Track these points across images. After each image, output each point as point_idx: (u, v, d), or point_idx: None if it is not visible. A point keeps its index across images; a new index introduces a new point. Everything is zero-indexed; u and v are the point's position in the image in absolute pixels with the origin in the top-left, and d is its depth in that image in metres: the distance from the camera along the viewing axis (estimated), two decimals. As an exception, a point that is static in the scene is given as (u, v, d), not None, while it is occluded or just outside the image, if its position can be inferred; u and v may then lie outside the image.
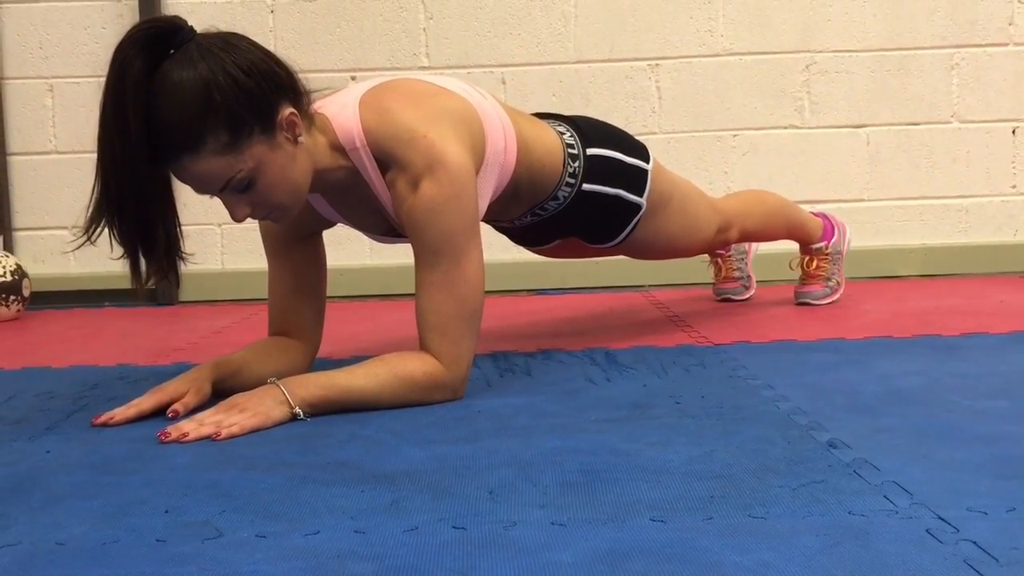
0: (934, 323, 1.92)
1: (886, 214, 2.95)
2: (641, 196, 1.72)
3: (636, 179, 1.71)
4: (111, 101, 1.20)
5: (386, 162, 1.39)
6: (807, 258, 2.25)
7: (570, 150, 1.65)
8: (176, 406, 1.32)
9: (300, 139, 1.33)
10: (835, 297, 2.26)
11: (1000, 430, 1.11)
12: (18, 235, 2.93)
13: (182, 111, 1.21)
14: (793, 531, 0.81)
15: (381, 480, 1.00)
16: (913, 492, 0.90)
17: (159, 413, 1.32)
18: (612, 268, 2.81)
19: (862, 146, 2.94)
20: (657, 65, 2.95)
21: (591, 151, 1.67)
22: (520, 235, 1.84)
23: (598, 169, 1.67)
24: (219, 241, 2.98)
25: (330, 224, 1.58)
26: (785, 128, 2.96)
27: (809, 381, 1.42)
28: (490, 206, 1.59)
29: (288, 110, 1.30)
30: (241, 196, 1.31)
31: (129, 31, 1.22)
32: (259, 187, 1.30)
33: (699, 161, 2.96)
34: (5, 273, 2.49)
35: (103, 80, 1.22)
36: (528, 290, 2.81)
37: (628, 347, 1.76)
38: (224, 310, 2.58)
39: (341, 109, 1.41)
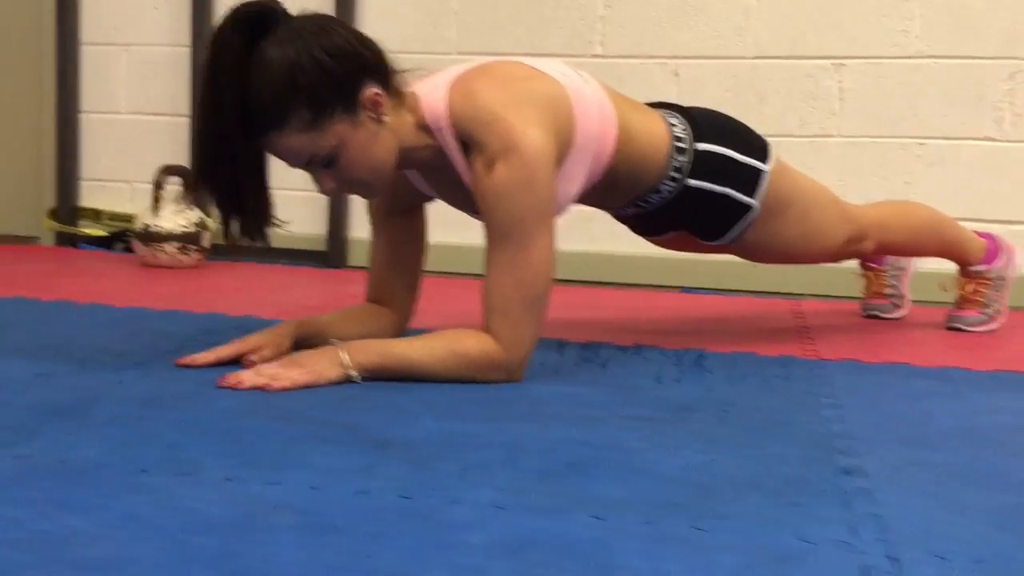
0: (1086, 363, 1.73)
1: (1089, 242, 2.67)
2: (753, 197, 1.66)
3: (749, 179, 1.65)
4: (208, 79, 1.30)
5: (468, 143, 1.42)
6: (964, 280, 2.09)
7: (678, 143, 1.61)
8: (252, 356, 1.42)
9: (384, 118, 1.38)
10: (992, 326, 2.09)
11: (1044, 480, 1.01)
12: (214, 192, 3.18)
13: (268, 91, 1.29)
14: (721, 547, 0.78)
15: (378, 445, 1.04)
16: (890, 528, 0.84)
17: (237, 361, 1.42)
18: (768, 274, 2.70)
19: (1068, 165, 2.68)
20: (842, 65, 2.81)
21: (701, 146, 1.62)
22: (634, 224, 1.82)
23: (707, 165, 1.62)
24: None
25: (429, 199, 1.63)
26: (980, 140, 2.74)
27: (885, 407, 1.33)
28: (589, 193, 1.59)
29: (372, 90, 1.35)
30: (326, 171, 1.38)
31: (228, 14, 1.31)
32: (342, 163, 1.36)
33: (879, 169, 2.80)
34: (189, 225, 2.73)
35: None
36: (678, 287, 2.76)
37: (726, 351, 1.71)
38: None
39: (432, 89, 1.45)
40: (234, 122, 1.30)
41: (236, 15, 1.31)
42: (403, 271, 1.64)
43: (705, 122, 1.66)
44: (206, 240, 2.78)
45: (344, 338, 1.46)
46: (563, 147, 1.44)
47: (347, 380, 1.34)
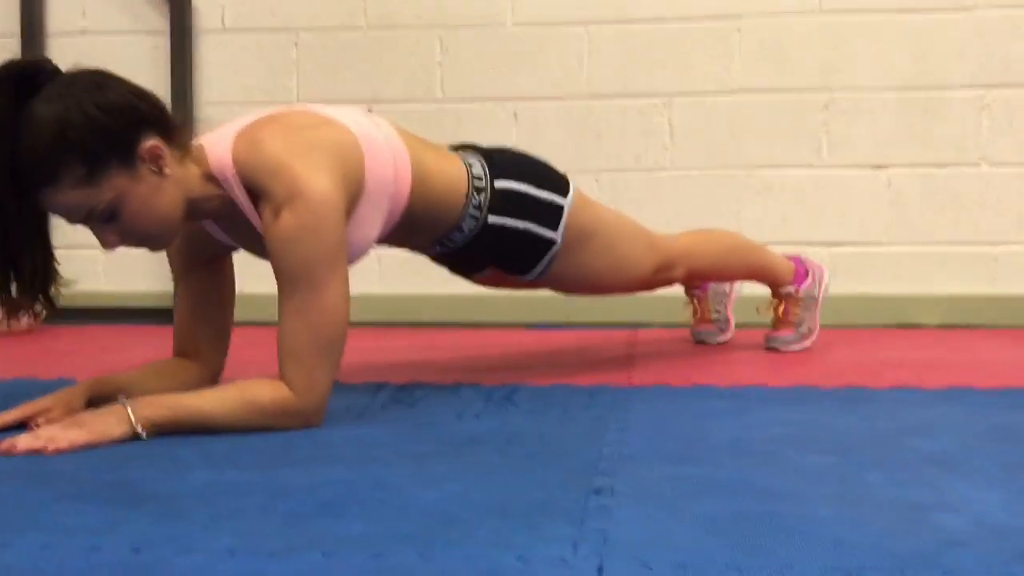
0: (881, 375, 1.82)
1: (907, 260, 2.82)
2: (555, 231, 1.71)
3: (548, 214, 1.70)
4: None
5: (256, 192, 1.42)
6: (776, 302, 2.18)
7: (476, 182, 1.65)
8: (39, 419, 1.38)
9: (166, 170, 1.37)
10: (806, 344, 2.18)
11: (775, 486, 1.06)
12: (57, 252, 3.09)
13: (38, 147, 1.27)
14: (439, 572, 0.80)
15: (135, 501, 1.03)
16: (610, 543, 0.87)
17: (22, 426, 1.38)
18: (610, 305, 2.76)
19: (883, 188, 2.82)
20: (670, 102, 2.92)
21: (499, 184, 1.67)
22: (449, 264, 1.85)
23: (505, 202, 1.67)
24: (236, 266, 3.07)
25: (231, 248, 1.63)
26: (801, 167, 2.87)
27: (669, 427, 1.37)
28: (393, 234, 1.62)
29: (150, 143, 1.35)
30: (107, 225, 1.36)
31: None
32: (124, 217, 1.36)
33: (711, 199, 2.90)
34: (20, 289, 2.65)
35: None
36: (527, 324, 2.80)
37: (543, 384, 1.74)
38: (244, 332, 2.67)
39: (219, 140, 1.45)
40: (3, 181, 1.28)
41: (1, 73, 1.29)
42: (208, 323, 1.62)
43: (503, 161, 1.70)
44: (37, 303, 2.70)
45: (145, 395, 1.44)
46: (353, 192, 1.46)
47: (135, 437, 1.32)
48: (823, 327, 2.22)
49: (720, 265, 2.04)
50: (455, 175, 1.63)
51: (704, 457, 1.19)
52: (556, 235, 1.71)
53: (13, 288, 1.35)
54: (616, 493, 1.03)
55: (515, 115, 2.97)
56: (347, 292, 1.43)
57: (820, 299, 2.21)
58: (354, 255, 1.54)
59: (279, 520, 0.95)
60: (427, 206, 1.60)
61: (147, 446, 1.29)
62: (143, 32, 3.07)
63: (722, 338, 2.32)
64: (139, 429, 1.32)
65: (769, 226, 2.88)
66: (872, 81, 2.80)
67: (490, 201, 1.65)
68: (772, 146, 2.87)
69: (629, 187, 2.95)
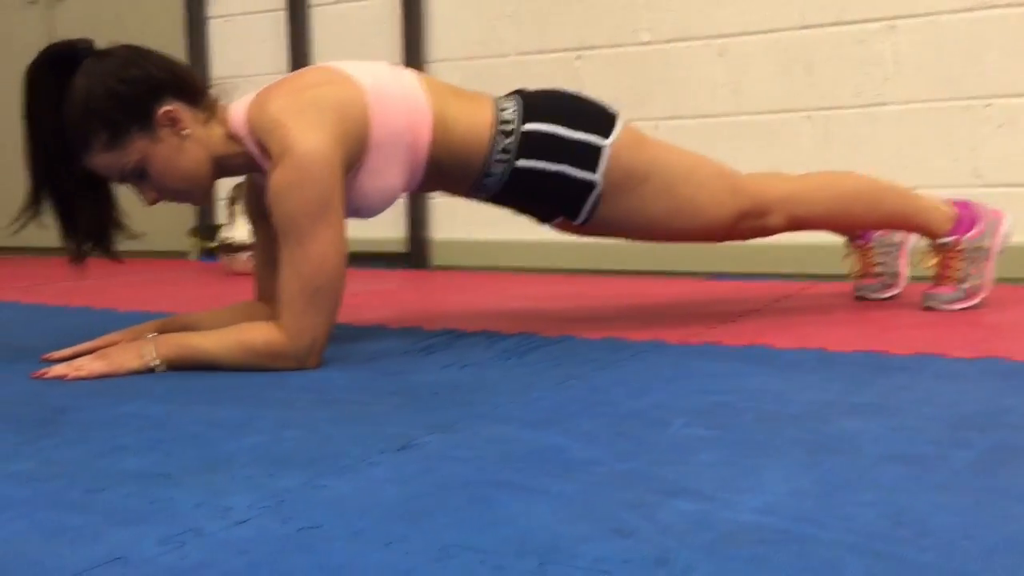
0: (989, 343, 1.52)
1: None
2: (593, 173, 1.63)
3: (585, 155, 1.62)
4: (26, 113, 1.49)
5: (264, 149, 1.52)
6: (931, 254, 1.89)
7: (504, 126, 1.62)
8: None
9: (185, 132, 1.51)
10: (971, 302, 1.87)
11: (580, 457, 0.95)
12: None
13: (72, 117, 1.47)
14: (98, 508, 0.85)
15: (45, 425, 1.17)
16: (303, 500, 0.85)
17: (98, 357, 1.60)
18: (815, 255, 2.54)
19: None
20: (893, 26, 2.59)
21: (528, 127, 1.62)
22: (521, 212, 1.81)
23: (535, 145, 1.62)
24: (465, 212, 3.23)
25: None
26: (1057, 93, 2.42)
27: (613, 389, 1.27)
28: (426, 182, 1.65)
29: (166, 108, 1.49)
30: (141, 183, 1.54)
31: (36, 55, 1.50)
32: (152, 175, 1.52)
33: (943, 135, 2.55)
34: (246, 235, 3.01)
35: None
36: (706, 273, 2.66)
37: (593, 337, 1.68)
38: (454, 276, 2.85)
39: (242, 102, 1.57)
40: (52, 149, 1.49)
41: (45, 55, 1.50)
42: (276, 269, 1.76)
43: (538, 103, 1.65)
44: (277, 249, 3.05)
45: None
46: (355, 146, 1.51)
47: (149, 370, 1.49)
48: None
49: (837, 213, 1.80)
50: (480, 119, 1.62)
51: (568, 423, 1.10)
52: (595, 177, 1.63)
53: (76, 240, 1.56)
54: (420, 450, 1.00)
55: (721, 53, 2.80)
56: (339, 243, 1.48)
57: (995, 251, 1.87)
58: (376, 203, 1.59)
59: (96, 453, 1.04)
60: (451, 152, 1.61)
61: (143, 379, 1.44)
62: (385, -5, 3.29)
63: (887, 294, 2.06)
64: (156, 363, 1.49)
65: (1014, 164, 2.47)
66: None
67: (519, 144, 1.61)
68: (1018, 70, 2.44)
69: (846, 125, 2.67)
